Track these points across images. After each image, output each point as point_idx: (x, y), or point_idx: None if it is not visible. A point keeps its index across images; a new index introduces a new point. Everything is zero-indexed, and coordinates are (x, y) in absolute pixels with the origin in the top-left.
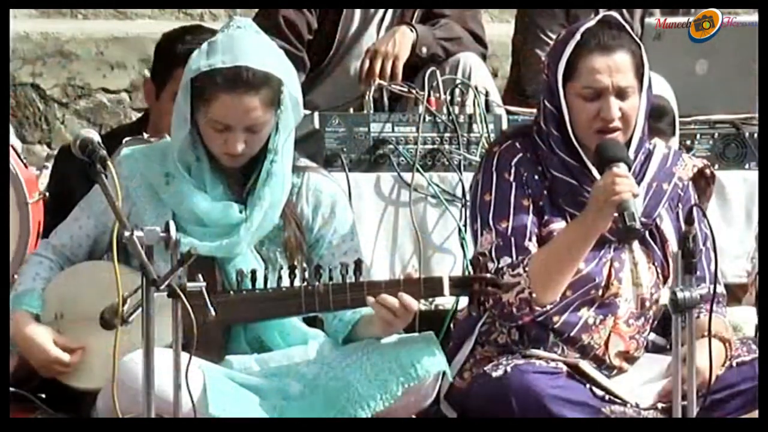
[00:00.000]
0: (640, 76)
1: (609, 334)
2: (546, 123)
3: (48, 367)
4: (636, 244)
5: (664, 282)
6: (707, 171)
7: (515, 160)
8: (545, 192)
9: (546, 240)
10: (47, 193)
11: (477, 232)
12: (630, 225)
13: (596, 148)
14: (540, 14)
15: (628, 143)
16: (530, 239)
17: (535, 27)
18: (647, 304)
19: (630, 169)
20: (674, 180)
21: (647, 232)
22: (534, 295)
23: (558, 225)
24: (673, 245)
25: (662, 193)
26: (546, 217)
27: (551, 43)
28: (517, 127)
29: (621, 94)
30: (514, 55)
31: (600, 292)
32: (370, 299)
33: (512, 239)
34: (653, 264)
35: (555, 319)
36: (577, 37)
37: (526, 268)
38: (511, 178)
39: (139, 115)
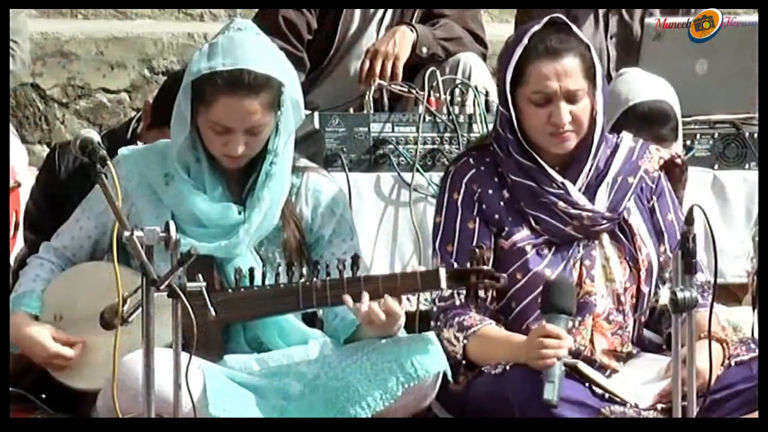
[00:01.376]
0: (590, 77)
1: (592, 334)
2: (502, 128)
3: (51, 364)
4: (606, 239)
5: (638, 275)
6: (678, 160)
7: (467, 177)
8: (503, 203)
9: (509, 253)
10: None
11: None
12: (546, 399)
13: (544, 286)
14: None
15: (589, 144)
16: None
17: None
18: (622, 299)
19: (571, 316)
20: (640, 173)
21: (616, 227)
22: (464, 361)
23: (520, 234)
24: (644, 238)
25: (628, 186)
26: (507, 229)
27: None
28: (475, 142)
29: (571, 97)
30: None
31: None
32: (349, 301)
33: (455, 266)
34: (624, 258)
35: (535, 327)
36: (525, 41)
37: (466, 340)
38: (460, 199)
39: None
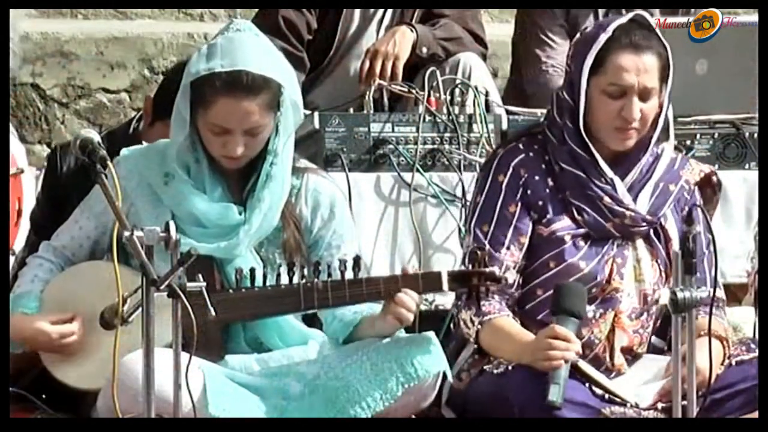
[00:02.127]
0: (664, 78)
1: (612, 329)
2: (561, 114)
3: (60, 347)
4: (640, 242)
5: (667, 279)
6: (714, 178)
7: (516, 161)
8: (548, 190)
9: (547, 240)
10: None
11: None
12: (550, 400)
13: (554, 289)
14: (540, 15)
15: (645, 144)
16: (508, 248)
17: (535, 27)
18: (650, 300)
19: (581, 320)
20: (681, 182)
21: (652, 231)
22: (475, 345)
23: (560, 224)
24: (676, 245)
25: (668, 193)
26: (548, 216)
27: (551, 43)
28: (523, 129)
29: (644, 95)
30: (514, 56)
31: (601, 289)
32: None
33: (486, 247)
34: (656, 261)
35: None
36: (609, 32)
37: (480, 325)
38: (505, 181)
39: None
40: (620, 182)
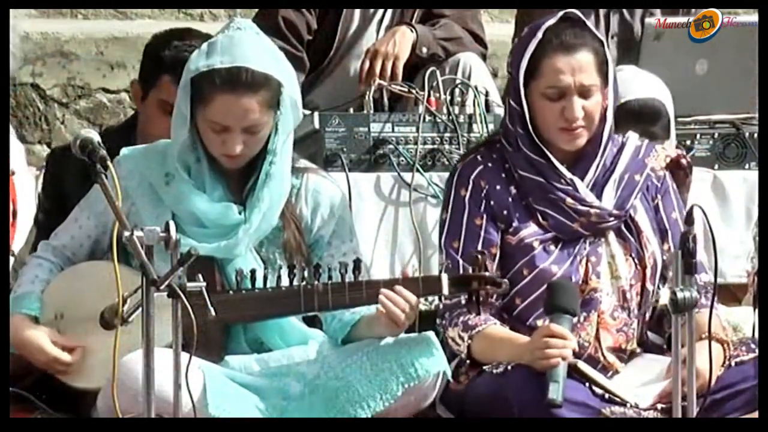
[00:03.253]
0: (603, 73)
1: (597, 330)
2: (512, 122)
3: (50, 368)
4: (612, 237)
5: (643, 273)
6: (683, 161)
7: (475, 173)
8: (511, 199)
9: (516, 249)
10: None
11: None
12: (549, 399)
13: (546, 288)
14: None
15: (598, 141)
16: None
17: None
18: (628, 296)
19: (575, 316)
20: (646, 171)
21: (623, 225)
22: (467, 360)
23: (527, 230)
24: (649, 236)
25: (634, 184)
26: (514, 225)
27: None
28: (482, 140)
29: (584, 92)
30: None
31: (579, 290)
32: (381, 297)
33: (459, 262)
34: (630, 255)
35: (539, 323)
36: (539, 35)
37: (470, 339)
38: (467, 195)
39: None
40: (580, 182)
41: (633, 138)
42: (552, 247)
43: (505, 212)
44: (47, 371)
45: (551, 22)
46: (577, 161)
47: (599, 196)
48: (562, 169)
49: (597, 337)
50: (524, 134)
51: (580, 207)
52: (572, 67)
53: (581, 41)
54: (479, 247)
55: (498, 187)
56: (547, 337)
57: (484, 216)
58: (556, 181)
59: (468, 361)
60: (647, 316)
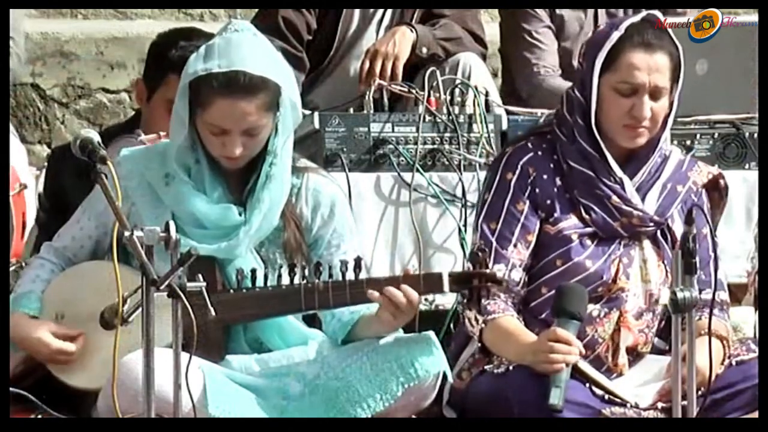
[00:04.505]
0: (675, 78)
1: (617, 328)
2: (571, 112)
3: (54, 360)
4: (647, 242)
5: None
6: (721, 182)
7: (524, 159)
8: (556, 189)
9: (554, 239)
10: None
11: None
12: (550, 404)
13: (555, 291)
14: (525, 18)
15: (653, 144)
16: (515, 246)
17: (521, 31)
18: (654, 299)
19: (582, 322)
20: (689, 183)
21: (659, 232)
22: (479, 344)
23: (568, 222)
24: None
25: (676, 194)
26: (556, 215)
27: (539, 45)
28: (533, 128)
29: (655, 94)
30: (503, 63)
31: (607, 288)
32: (375, 294)
33: (493, 244)
34: (662, 262)
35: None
36: (622, 30)
37: (484, 324)
38: (513, 179)
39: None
40: (629, 182)
41: (676, 151)
42: (588, 242)
43: (548, 201)
44: (48, 371)
45: (634, 19)
46: (628, 161)
47: (642, 200)
48: (615, 166)
49: (613, 336)
50: (584, 126)
51: (624, 207)
52: (649, 66)
53: (660, 42)
54: (516, 233)
55: (545, 176)
56: (552, 342)
57: (527, 202)
58: (605, 177)
59: (479, 345)
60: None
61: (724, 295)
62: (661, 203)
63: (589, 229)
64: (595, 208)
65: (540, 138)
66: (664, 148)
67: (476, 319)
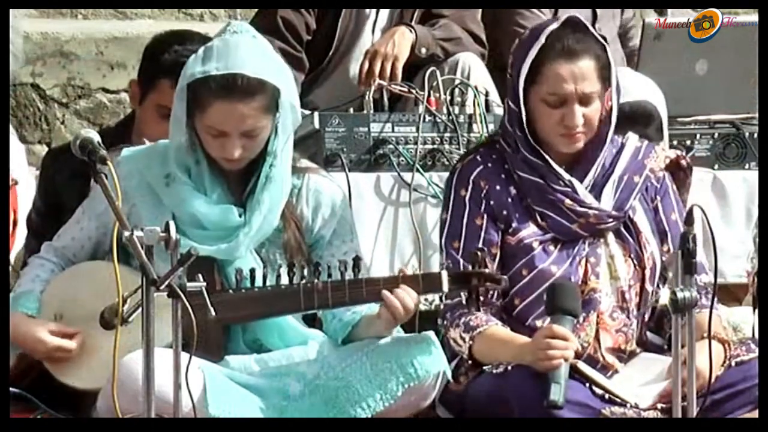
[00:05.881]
0: (604, 78)
1: (597, 330)
2: (511, 123)
3: (52, 358)
4: (611, 238)
5: (642, 274)
6: (683, 162)
7: (475, 173)
8: (510, 199)
9: (516, 249)
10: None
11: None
12: (551, 400)
13: (549, 288)
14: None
15: (597, 143)
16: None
17: (510, 26)
18: (627, 296)
19: (576, 317)
20: (646, 172)
21: (622, 226)
22: (469, 361)
23: (527, 231)
24: (648, 237)
25: (633, 185)
26: (514, 225)
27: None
28: (481, 141)
29: (584, 100)
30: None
31: (579, 291)
32: (386, 293)
33: (460, 262)
34: (629, 256)
35: (538, 324)
36: (542, 40)
37: (472, 341)
38: (467, 195)
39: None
40: (579, 183)
41: (633, 139)
42: (551, 248)
43: (504, 212)
44: (43, 372)
45: (554, 26)
46: (576, 163)
47: (598, 198)
48: (561, 171)
49: (596, 338)
50: (522, 137)
51: (578, 208)
52: (574, 74)
53: (583, 47)
54: (479, 247)
55: (498, 188)
56: (548, 338)
57: (485, 216)
58: (554, 183)
59: (469, 362)
60: (647, 316)
61: (706, 278)
62: (618, 197)
63: (549, 235)
64: (551, 214)
65: (489, 149)
66: (616, 139)
67: (462, 338)
